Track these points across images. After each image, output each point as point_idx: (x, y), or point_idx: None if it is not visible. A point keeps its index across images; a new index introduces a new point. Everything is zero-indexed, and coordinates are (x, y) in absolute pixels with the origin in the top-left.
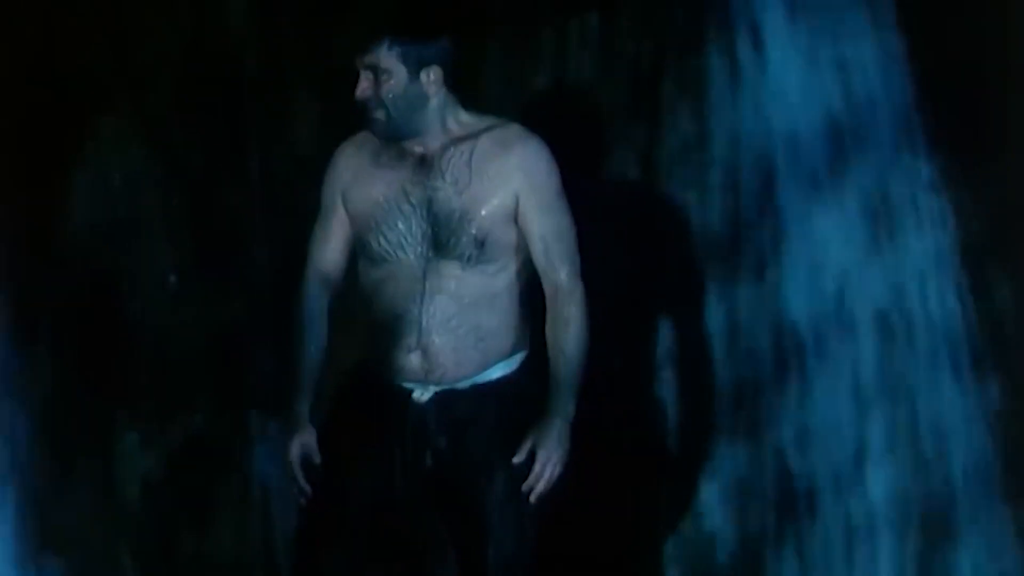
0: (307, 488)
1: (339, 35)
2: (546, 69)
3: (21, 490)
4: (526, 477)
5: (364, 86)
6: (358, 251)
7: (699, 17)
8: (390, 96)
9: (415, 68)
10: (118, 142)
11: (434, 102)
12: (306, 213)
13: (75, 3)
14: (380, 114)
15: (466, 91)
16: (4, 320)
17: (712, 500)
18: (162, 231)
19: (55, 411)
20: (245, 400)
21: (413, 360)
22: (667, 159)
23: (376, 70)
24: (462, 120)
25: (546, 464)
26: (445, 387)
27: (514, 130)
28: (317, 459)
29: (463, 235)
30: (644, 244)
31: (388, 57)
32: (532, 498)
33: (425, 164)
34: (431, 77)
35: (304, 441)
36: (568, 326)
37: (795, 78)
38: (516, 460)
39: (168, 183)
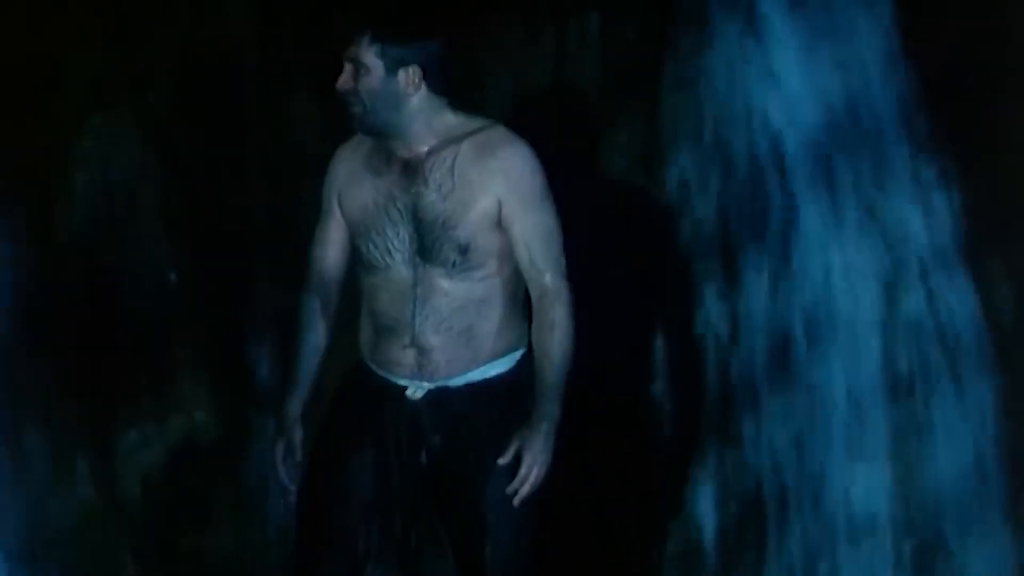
0: (290, 486)
1: (339, 35)
2: (546, 69)
3: (21, 490)
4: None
5: (344, 78)
6: (354, 255)
7: (699, 17)
8: (366, 91)
9: (393, 66)
10: (118, 141)
11: (414, 102)
12: (306, 213)
13: (75, 3)
14: (358, 108)
15: (466, 91)
16: (4, 318)
17: (710, 500)
18: (162, 230)
19: (55, 410)
20: (245, 399)
21: (408, 356)
22: (666, 159)
23: (356, 64)
24: (448, 122)
25: (531, 467)
26: (439, 383)
27: (498, 134)
28: (298, 458)
29: (447, 241)
30: (642, 244)
31: (367, 52)
32: (516, 501)
33: (410, 169)
34: (409, 77)
35: (288, 440)
36: (553, 329)
37: (795, 78)
38: (501, 462)
39: (168, 182)
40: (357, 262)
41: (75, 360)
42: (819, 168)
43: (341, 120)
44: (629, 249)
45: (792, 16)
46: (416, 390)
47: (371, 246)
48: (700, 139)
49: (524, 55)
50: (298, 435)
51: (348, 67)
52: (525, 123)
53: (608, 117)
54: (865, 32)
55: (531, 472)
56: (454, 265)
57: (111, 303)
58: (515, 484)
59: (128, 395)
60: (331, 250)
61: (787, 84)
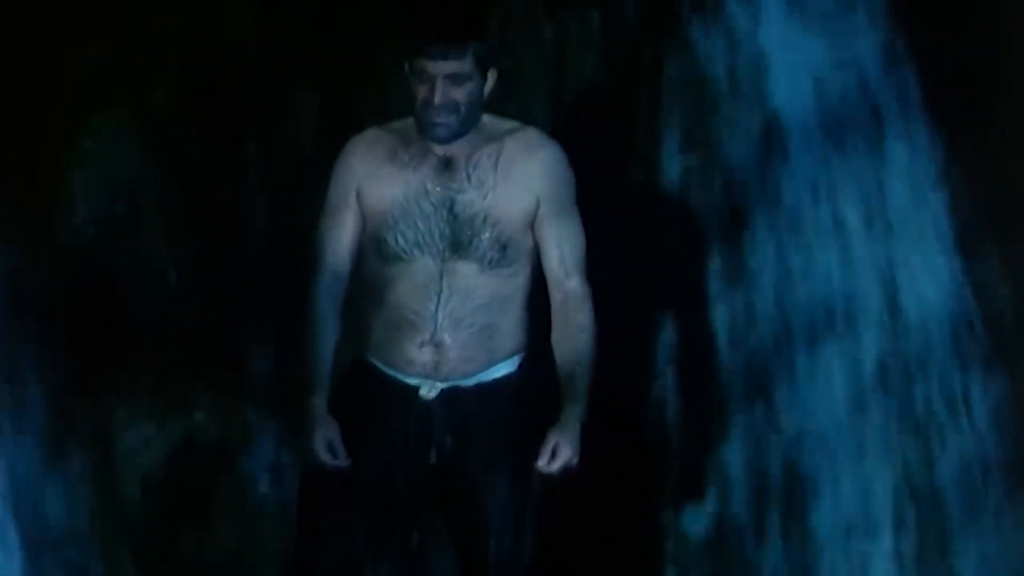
0: (343, 462)
1: (339, 35)
2: (546, 68)
3: (21, 489)
4: (530, 476)
5: (443, 94)
6: (369, 247)
7: (699, 15)
8: (465, 101)
9: (482, 70)
10: (118, 141)
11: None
12: (305, 211)
13: (75, 3)
14: (452, 118)
15: None
16: (3, 318)
17: (711, 498)
18: (162, 229)
19: (55, 410)
20: (244, 399)
21: (425, 354)
22: (667, 156)
23: (456, 76)
24: (483, 121)
25: (569, 462)
26: (452, 383)
27: (535, 135)
28: (342, 454)
29: (485, 238)
30: (645, 242)
31: (465, 62)
32: (543, 471)
33: (449, 166)
34: (490, 79)
35: (329, 436)
36: (583, 332)
37: (795, 75)
38: (541, 463)
39: (168, 182)
40: (374, 254)
41: (75, 360)
42: (819, 164)
43: (341, 121)
44: (630, 248)
45: (791, 14)
46: (430, 390)
47: (399, 238)
48: (700, 137)
49: (524, 53)
50: (336, 429)
51: (442, 82)
52: (525, 122)
53: (608, 115)
54: (865, 27)
55: (568, 465)
56: (491, 262)
57: (111, 303)
58: (549, 467)
59: (128, 395)
60: (345, 243)
61: (786, 82)
